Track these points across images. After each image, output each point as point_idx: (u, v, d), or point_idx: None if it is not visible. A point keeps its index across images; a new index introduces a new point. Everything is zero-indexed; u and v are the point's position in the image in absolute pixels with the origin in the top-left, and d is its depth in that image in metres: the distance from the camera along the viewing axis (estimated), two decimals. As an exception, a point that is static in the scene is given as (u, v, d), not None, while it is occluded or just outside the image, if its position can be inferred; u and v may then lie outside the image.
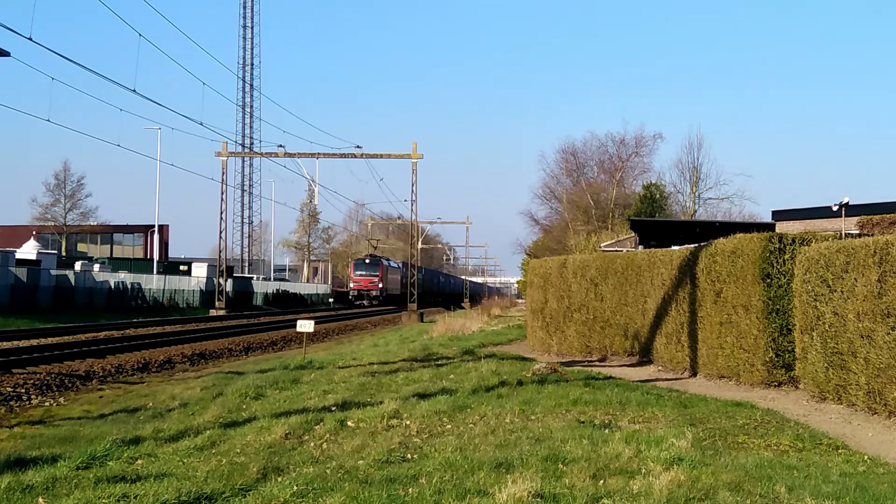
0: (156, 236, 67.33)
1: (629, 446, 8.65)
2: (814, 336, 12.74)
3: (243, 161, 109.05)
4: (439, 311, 65.35)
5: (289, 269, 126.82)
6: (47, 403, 14.82)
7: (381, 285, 77.33)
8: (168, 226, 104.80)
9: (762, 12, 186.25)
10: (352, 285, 78.80)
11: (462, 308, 67.51)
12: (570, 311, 21.79)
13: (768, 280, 14.12)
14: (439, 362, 17.92)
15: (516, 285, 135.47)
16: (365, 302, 76.77)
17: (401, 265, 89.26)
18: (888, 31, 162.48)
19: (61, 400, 15.30)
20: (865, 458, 8.74)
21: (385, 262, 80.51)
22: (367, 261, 78.74)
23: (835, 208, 33.66)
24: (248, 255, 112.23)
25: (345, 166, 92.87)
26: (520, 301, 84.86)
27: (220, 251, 55.18)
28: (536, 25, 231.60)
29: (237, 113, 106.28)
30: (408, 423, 10.49)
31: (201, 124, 53.98)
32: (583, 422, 10.40)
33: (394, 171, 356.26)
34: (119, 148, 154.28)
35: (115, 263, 66.91)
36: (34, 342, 25.57)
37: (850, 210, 33.74)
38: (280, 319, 45.35)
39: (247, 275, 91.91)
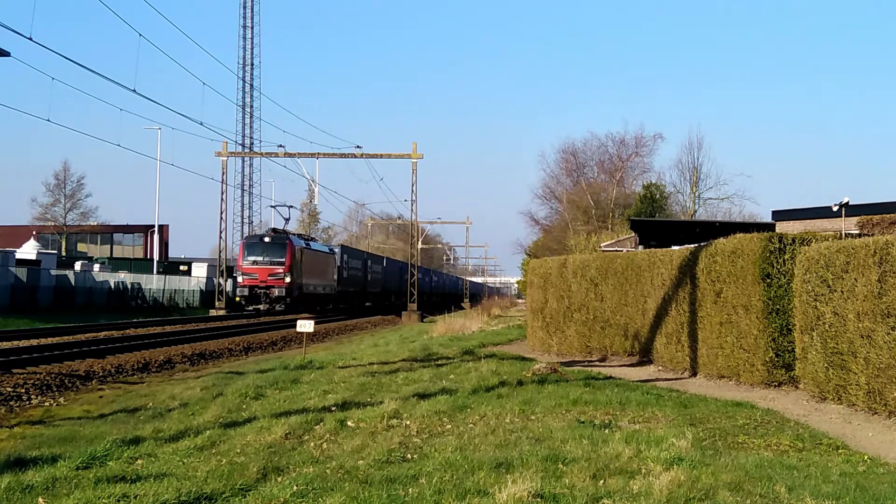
0: (156, 236, 67.31)
1: (629, 446, 8.65)
2: (814, 336, 12.74)
3: (243, 161, 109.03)
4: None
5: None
6: (47, 403, 14.81)
7: (288, 280, 47.67)
8: (168, 226, 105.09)
9: (762, 12, 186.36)
10: (241, 279, 48.59)
11: (462, 308, 67.38)
12: (570, 311, 21.78)
13: (768, 280, 14.12)
14: (439, 362, 17.92)
15: (516, 285, 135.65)
16: (261, 306, 48.07)
17: (336, 251, 60.80)
18: (888, 30, 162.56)
19: (61, 400, 15.29)
20: (865, 458, 8.74)
21: (297, 243, 50.27)
22: (267, 240, 48.80)
23: (835, 208, 33.64)
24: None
25: (345, 166, 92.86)
26: (520, 301, 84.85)
27: (220, 251, 55.15)
28: (537, 25, 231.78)
29: (237, 113, 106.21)
30: (408, 423, 10.49)
31: (201, 124, 53.99)
32: (583, 422, 10.40)
33: (394, 171, 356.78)
34: (119, 148, 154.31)
35: (115, 263, 66.93)
36: (34, 342, 25.55)
37: (850, 210, 33.72)
38: (280, 319, 45.32)
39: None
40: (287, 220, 54.79)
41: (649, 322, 18.29)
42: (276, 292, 47.59)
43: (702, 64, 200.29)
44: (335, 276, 58.73)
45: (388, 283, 77.49)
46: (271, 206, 63.26)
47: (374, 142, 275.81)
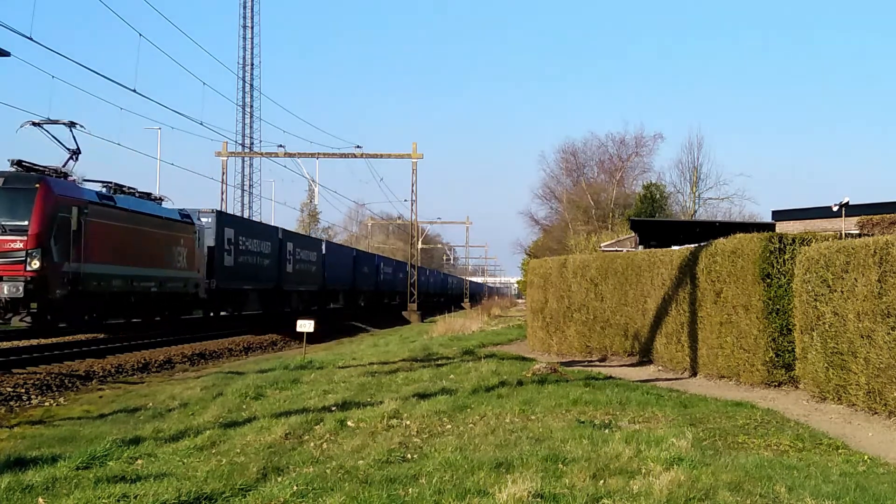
0: (156, 236, 67.12)
1: (629, 446, 8.64)
2: (814, 336, 12.74)
3: (243, 161, 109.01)
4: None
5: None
6: (47, 403, 14.82)
7: (36, 263, 23.51)
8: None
9: (762, 12, 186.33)
10: None
11: (462, 308, 67.31)
12: (570, 311, 21.78)
13: (768, 280, 14.12)
14: (439, 362, 17.91)
15: (516, 285, 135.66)
16: None
17: (207, 220, 35.80)
18: (888, 30, 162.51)
19: (61, 400, 15.29)
20: (865, 458, 8.74)
21: (67, 192, 25.37)
22: None
23: (835, 208, 33.66)
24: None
25: (345, 166, 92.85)
26: (520, 301, 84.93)
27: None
28: (536, 25, 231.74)
29: (237, 113, 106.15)
30: (408, 423, 10.48)
31: (201, 124, 53.68)
32: (583, 422, 10.40)
33: (394, 171, 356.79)
34: (119, 147, 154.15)
35: (115, 263, 66.71)
36: (34, 342, 25.55)
37: (850, 210, 33.73)
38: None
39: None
40: (75, 153, 27.84)
41: (649, 322, 18.29)
42: (6, 290, 23.70)
43: (702, 64, 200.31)
44: (201, 265, 34.64)
45: (333, 280, 53.24)
46: (31, 123, 27.00)
47: (374, 142, 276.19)
